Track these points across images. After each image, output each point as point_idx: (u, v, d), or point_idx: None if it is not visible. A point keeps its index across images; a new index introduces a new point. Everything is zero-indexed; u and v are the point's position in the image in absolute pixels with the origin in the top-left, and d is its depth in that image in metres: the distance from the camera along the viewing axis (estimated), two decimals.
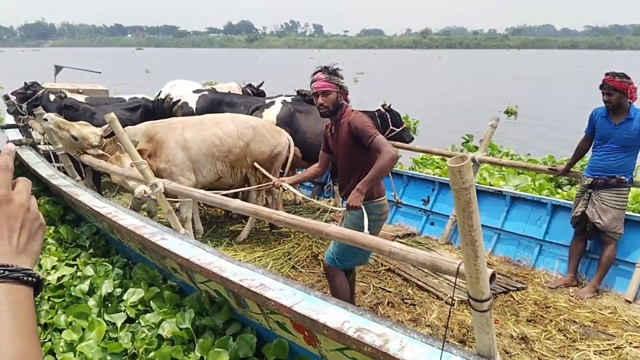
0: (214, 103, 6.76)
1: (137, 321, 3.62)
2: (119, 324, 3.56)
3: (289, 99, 6.74)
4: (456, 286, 4.51)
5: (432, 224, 6.17)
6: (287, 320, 2.99)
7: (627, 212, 4.65)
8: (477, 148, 11.30)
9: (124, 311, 3.72)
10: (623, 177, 4.48)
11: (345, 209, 3.44)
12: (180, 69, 43.03)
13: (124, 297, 3.86)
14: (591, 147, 4.76)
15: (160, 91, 7.54)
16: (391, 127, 6.64)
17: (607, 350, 3.60)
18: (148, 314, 3.61)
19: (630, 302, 4.35)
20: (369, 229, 3.15)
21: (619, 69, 4.64)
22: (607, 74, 4.51)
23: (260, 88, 9.00)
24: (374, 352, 2.34)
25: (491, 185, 7.03)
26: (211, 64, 61.08)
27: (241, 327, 3.44)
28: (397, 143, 6.81)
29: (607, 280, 4.62)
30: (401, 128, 6.70)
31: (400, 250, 2.37)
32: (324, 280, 4.61)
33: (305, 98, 7.63)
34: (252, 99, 7.33)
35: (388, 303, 4.27)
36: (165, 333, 3.35)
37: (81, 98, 7.42)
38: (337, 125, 3.58)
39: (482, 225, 5.73)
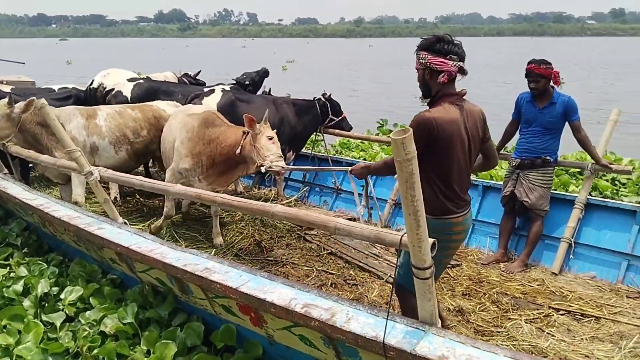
0: (150, 92, 6.58)
1: (77, 319, 3.51)
2: (58, 324, 3.43)
3: (228, 88, 6.67)
4: (394, 265, 4.63)
5: (371, 208, 6.31)
6: (232, 302, 2.99)
7: (552, 191, 4.96)
8: (390, 131, 11.74)
9: (63, 310, 3.59)
10: (548, 158, 4.77)
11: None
12: (105, 60, 41.33)
13: (62, 296, 3.72)
14: (518, 130, 5.03)
15: (93, 80, 7.23)
16: (331, 116, 6.73)
17: (537, 318, 3.84)
18: (88, 312, 3.51)
19: (556, 274, 4.65)
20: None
21: (537, 54, 4.90)
22: (531, 62, 4.74)
23: (198, 77, 8.85)
24: (322, 326, 2.39)
25: None
26: (139, 55, 59.00)
27: (187, 316, 3.40)
28: (337, 131, 6.93)
29: (535, 255, 4.91)
30: (341, 117, 6.80)
31: (345, 226, 2.43)
32: (267, 267, 4.64)
33: (245, 87, 7.59)
34: (191, 88, 7.21)
35: (331, 284, 4.35)
36: (108, 329, 3.27)
37: (7, 89, 7.00)
38: None
39: None
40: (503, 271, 4.73)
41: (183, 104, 6.21)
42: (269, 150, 4.23)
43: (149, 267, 3.39)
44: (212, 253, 4.76)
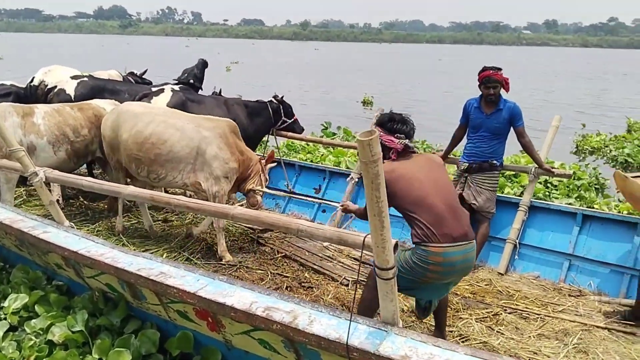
0: (95, 90, 6.34)
1: (21, 329, 3.33)
2: (0, 334, 3.23)
3: (177, 87, 6.52)
4: (348, 267, 4.65)
5: (323, 211, 6.34)
6: (189, 307, 2.92)
7: (497, 194, 5.14)
8: (334, 134, 11.99)
9: (5, 319, 3.39)
10: (495, 162, 4.94)
11: None
12: (38, 57, 39.52)
13: (4, 305, 3.52)
14: (466, 135, 5.19)
15: (33, 77, 6.89)
16: (283, 118, 6.70)
17: (487, 317, 3.96)
18: (33, 320, 3.34)
19: (502, 274, 4.82)
20: (411, 271, 2.99)
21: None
22: (488, 69, 4.87)
23: (144, 76, 8.59)
24: (284, 329, 2.38)
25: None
26: (76, 51, 56.67)
27: (141, 323, 3.29)
28: (289, 134, 6.91)
29: (482, 256, 5.07)
30: (293, 119, 6.78)
31: (308, 227, 2.42)
32: (220, 271, 4.55)
33: (195, 87, 7.43)
34: (137, 87, 6.99)
35: (286, 287, 4.32)
36: (56, 338, 3.12)
37: None
38: None
39: None
40: None
41: None
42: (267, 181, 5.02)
43: (98, 272, 3.26)
44: (164, 258, 4.64)
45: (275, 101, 6.64)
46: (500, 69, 4.85)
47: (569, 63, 60.93)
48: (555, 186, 7.68)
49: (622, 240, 4.59)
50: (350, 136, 11.28)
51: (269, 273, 4.59)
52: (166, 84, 6.99)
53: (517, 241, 4.98)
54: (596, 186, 8.39)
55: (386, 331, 2.26)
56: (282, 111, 6.66)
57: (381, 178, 1.94)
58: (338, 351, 2.24)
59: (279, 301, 2.54)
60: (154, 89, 6.43)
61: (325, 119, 13.40)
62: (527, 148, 4.97)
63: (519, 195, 5.25)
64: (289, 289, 4.32)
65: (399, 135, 3.18)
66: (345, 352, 2.21)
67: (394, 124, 3.20)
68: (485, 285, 4.59)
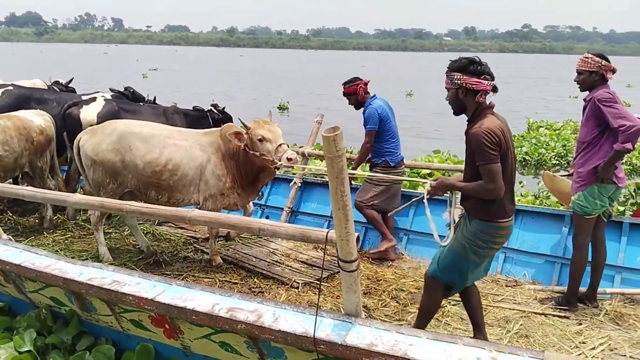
0: (20, 99, 6.01)
1: None
2: None
3: (109, 96, 6.31)
4: (297, 270, 4.69)
5: (267, 217, 6.35)
6: (144, 316, 2.86)
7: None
8: None
9: None
10: (373, 160, 5.35)
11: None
12: None
13: None
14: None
15: None
16: None
17: None
18: None
19: None
20: (478, 250, 3.07)
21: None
22: (343, 84, 5.38)
23: (70, 85, 8.22)
24: (249, 328, 2.39)
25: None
26: None
27: (94, 339, 3.16)
28: None
29: (426, 253, 5.27)
30: None
31: (270, 227, 2.45)
32: (168, 278, 4.45)
33: (129, 96, 7.20)
34: (66, 95, 6.69)
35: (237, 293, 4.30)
36: None
37: None
38: (468, 130, 3.11)
39: (315, 214, 6.04)
40: (395, 269, 5.02)
41: (58, 113, 5.76)
42: (267, 152, 4.39)
43: (43, 286, 3.11)
44: None
45: (215, 111, 6.57)
46: (349, 82, 5.32)
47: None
48: None
49: (551, 231, 4.93)
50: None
51: (217, 281, 4.54)
52: (97, 92, 6.75)
53: None
54: None
55: (351, 322, 2.33)
56: (223, 121, 6.59)
57: (345, 173, 2.01)
58: (305, 345, 2.28)
59: (241, 302, 2.54)
60: (84, 98, 6.19)
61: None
62: (360, 151, 5.44)
63: None
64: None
65: (485, 76, 3.01)
66: (312, 346, 2.25)
67: (477, 66, 3.03)
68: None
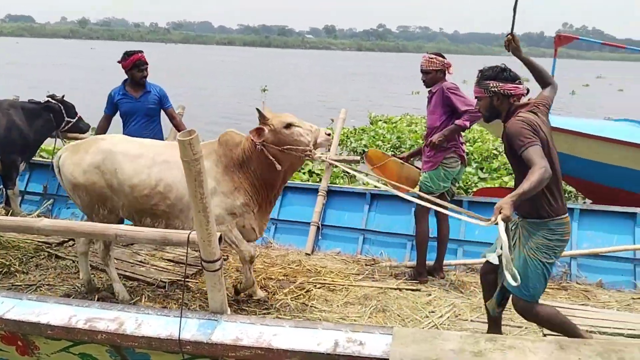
0: None
1: None
2: None
3: None
4: (163, 269, 4.60)
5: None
6: None
7: (299, 182, 5.58)
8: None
9: None
10: None
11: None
12: None
13: None
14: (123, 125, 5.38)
15: None
16: (67, 118, 6.18)
17: (300, 294, 4.31)
18: None
19: (309, 254, 5.24)
20: (555, 250, 2.94)
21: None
22: (135, 52, 5.18)
23: None
24: (110, 337, 2.33)
25: None
26: None
27: None
28: (78, 135, 6.40)
29: (292, 240, 5.47)
30: (76, 118, 6.29)
31: (127, 232, 2.40)
32: (19, 292, 4.10)
33: None
34: None
35: (98, 299, 4.09)
36: None
37: None
38: (503, 129, 3.10)
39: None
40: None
41: None
42: (299, 138, 3.61)
43: None
44: None
45: (53, 101, 6.08)
46: (142, 52, 5.21)
47: (346, 65, 66.70)
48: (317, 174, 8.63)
49: (402, 213, 5.39)
50: None
51: (75, 287, 4.29)
52: None
53: (320, 223, 5.49)
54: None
55: (216, 320, 2.38)
56: (64, 111, 6.14)
57: (204, 176, 2.04)
58: (171, 348, 2.29)
59: (101, 311, 2.46)
60: None
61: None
62: (180, 127, 5.43)
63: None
64: (101, 300, 4.11)
65: (519, 81, 3.09)
66: (178, 348, 2.27)
67: (509, 72, 3.11)
68: (296, 266, 4.95)
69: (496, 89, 3.08)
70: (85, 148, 3.90)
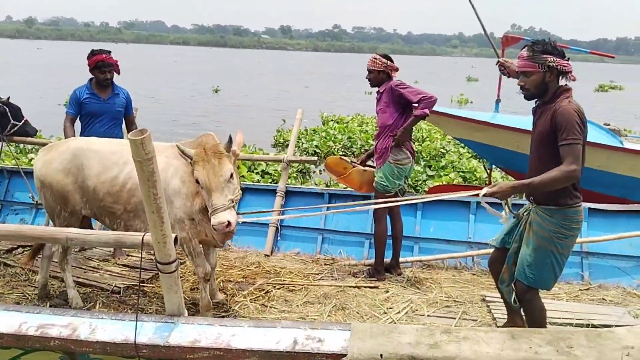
0: None
1: None
2: None
3: None
4: (118, 274, 4.50)
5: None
6: None
7: (255, 183, 5.55)
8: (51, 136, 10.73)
9: None
10: None
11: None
12: None
13: None
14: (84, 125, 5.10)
15: None
16: (12, 121, 5.93)
17: (259, 296, 4.29)
18: None
19: (268, 255, 5.24)
20: (567, 238, 2.93)
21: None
22: (100, 52, 4.97)
23: None
24: (64, 344, 2.28)
25: None
26: None
27: None
28: (25, 138, 6.16)
29: (250, 242, 5.43)
30: (23, 121, 6.05)
31: (78, 235, 2.34)
32: None
33: None
34: None
35: (50, 306, 3.96)
36: None
37: None
38: (543, 109, 3.01)
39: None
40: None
41: None
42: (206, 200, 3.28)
43: None
44: None
45: None
46: (110, 52, 5.05)
47: (302, 66, 66.72)
48: (269, 173, 8.63)
49: (360, 212, 5.43)
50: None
51: (26, 295, 4.14)
52: None
53: (279, 224, 5.48)
54: (303, 171, 10.24)
55: (173, 323, 2.35)
56: (10, 114, 5.89)
57: (157, 176, 2.02)
58: (127, 352, 2.25)
59: (53, 317, 2.40)
60: None
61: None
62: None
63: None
64: (53, 307, 3.98)
65: (568, 58, 2.99)
66: (134, 352, 2.23)
67: (560, 49, 3.00)
68: (255, 268, 4.93)
69: (553, 64, 2.95)
70: (58, 147, 3.87)
